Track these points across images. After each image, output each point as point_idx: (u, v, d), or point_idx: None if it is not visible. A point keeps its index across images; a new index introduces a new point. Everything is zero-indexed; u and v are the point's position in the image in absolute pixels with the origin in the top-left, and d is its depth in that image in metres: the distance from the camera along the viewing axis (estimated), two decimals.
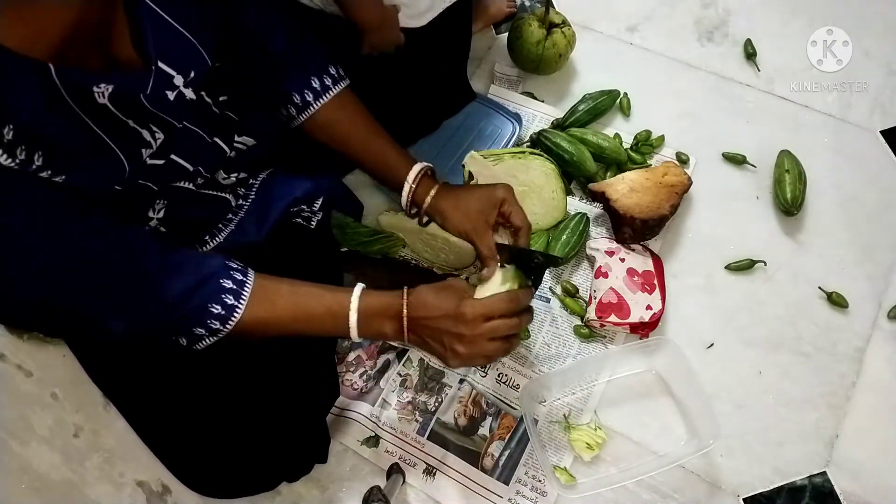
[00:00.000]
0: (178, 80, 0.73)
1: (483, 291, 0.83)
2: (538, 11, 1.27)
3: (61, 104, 0.62)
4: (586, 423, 1.03)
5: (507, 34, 1.32)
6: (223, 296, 0.74)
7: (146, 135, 0.72)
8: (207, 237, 0.93)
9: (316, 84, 0.88)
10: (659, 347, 1.04)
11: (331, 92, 0.89)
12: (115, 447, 1.08)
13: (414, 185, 0.89)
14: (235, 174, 0.93)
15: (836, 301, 1.11)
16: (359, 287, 0.80)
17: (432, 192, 0.89)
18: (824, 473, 1.01)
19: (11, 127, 0.57)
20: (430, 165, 0.92)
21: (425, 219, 0.94)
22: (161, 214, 0.83)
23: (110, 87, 0.65)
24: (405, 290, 0.80)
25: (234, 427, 0.91)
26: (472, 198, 0.88)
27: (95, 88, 0.64)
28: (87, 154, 0.65)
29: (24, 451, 1.09)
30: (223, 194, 0.93)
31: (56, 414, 1.11)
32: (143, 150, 0.73)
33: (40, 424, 1.10)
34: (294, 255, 1.00)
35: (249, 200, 0.97)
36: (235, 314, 0.74)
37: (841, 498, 1.00)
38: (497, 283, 0.83)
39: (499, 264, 0.86)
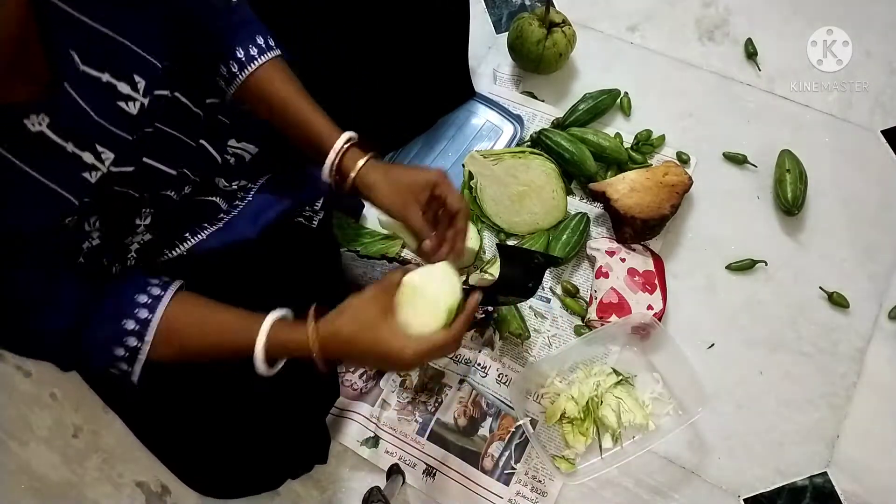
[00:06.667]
0: (124, 88, 0.69)
1: (431, 271, 0.80)
2: (538, 11, 1.26)
3: None
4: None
5: (507, 34, 1.32)
6: (125, 338, 0.71)
7: (88, 157, 0.67)
8: (188, 234, 0.89)
9: (241, 54, 0.84)
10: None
11: (256, 61, 0.85)
12: (114, 448, 1.07)
13: (340, 155, 0.84)
14: (237, 182, 0.92)
15: (837, 301, 1.11)
16: (270, 317, 0.75)
17: (361, 163, 0.84)
18: (825, 474, 1.01)
19: None
20: (355, 136, 0.87)
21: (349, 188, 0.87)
22: (148, 221, 0.81)
23: (45, 118, 0.61)
24: (314, 326, 0.74)
25: (235, 427, 0.91)
26: (403, 173, 0.85)
27: (26, 121, 0.60)
28: (15, 195, 0.61)
29: (24, 452, 1.08)
30: (213, 198, 0.91)
31: (55, 414, 1.11)
32: (89, 174, 0.68)
33: (40, 424, 1.10)
34: (295, 255, 0.99)
35: (245, 202, 0.95)
36: (139, 357, 0.72)
37: (842, 498, 1.00)
38: (447, 271, 0.81)
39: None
